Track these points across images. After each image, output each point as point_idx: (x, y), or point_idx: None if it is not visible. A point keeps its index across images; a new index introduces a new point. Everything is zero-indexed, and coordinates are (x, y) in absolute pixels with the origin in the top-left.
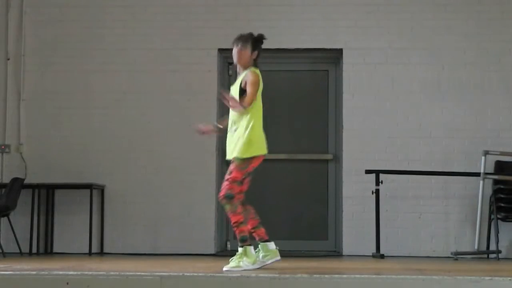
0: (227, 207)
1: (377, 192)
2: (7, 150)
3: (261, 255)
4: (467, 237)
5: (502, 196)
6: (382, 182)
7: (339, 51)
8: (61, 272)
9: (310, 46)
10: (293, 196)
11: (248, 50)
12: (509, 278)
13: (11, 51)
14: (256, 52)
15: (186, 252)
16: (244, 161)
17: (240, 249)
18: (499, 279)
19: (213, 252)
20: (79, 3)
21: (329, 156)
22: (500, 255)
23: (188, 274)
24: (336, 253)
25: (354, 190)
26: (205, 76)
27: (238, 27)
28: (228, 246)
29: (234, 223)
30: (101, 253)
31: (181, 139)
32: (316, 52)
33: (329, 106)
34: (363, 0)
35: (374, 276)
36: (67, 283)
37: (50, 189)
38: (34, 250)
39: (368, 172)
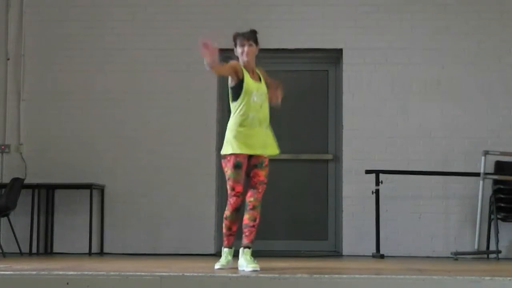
0: (259, 208)
1: (377, 192)
2: (7, 150)
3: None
4: (467, 237)
5: (502, 196)
6: (382, 182)
7: (339, 51)
8: (61, 272)
9: (310, 46)
10: (293, 196)
11: (256, 47)
12: (509, 278)
13: (11, 51)
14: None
15: (186, 252)
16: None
17: (250, 250)
18: (499, 279)
19: (213, 252)
20: (79, 3)
21: (329, 156)
22: (500, 255)
23: (188, 274)
24: (336, 253)
25: (354, 190)
26: (205, 76)
27: (238, 27)
28: None
29: (257, 224)
30: (101, 253)
31: (181, 139)
32: (316, 52)
33: (329, 106)
34: (363, 0)
35: (374, 276)
36: (67, 283)
37: (50, 189)
38: (34, 250)
39: (368, 172)
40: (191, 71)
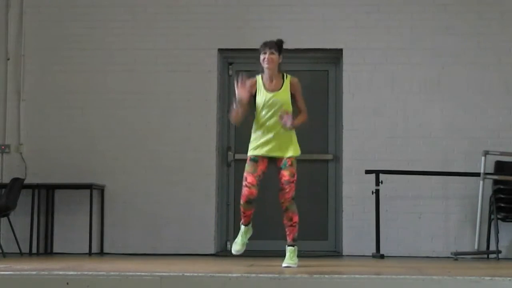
0: (293, 208)
1: (377, 192)
2: (7, 150)
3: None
4: (467, 237)
5: (502, 196)
6: (382, 182)
7: (339, 51)
8: (61, 272)
9: (310, 46)
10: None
11: (279, 57)
12: (509, 278)
13: (11, 51)
14: (281, 57)
15: (186, 252)
16: (297, 160)
17: (292, 248)
18: (499, 279)
19: (213, 252)
20: (79, 3)
21: (329, 156)
22: (500, 255)
23: (188, 274)
24: (336, 253)
25: (354, 190)
26: (205, 76)
27: (238, 27)
28: (228, 246)
29: (296, 222)
30: (101, 253)
31: (181, 139)
32: (316, 52)
33: (329, 106)
34: (363, 0)
35: (374, 276)
36: (67, 283)
37: (50, 189)
38: (34, 250)
39: (368, 172)
40: (191, 71)
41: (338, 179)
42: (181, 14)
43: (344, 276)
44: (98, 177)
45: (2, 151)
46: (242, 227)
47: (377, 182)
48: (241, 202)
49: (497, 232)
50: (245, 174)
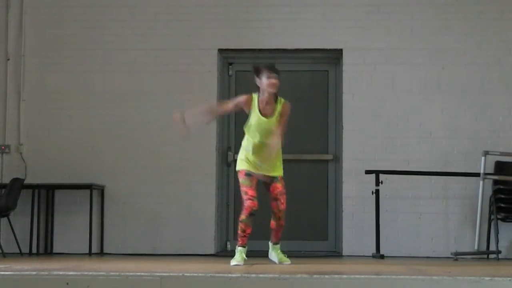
0: (284, 217)
1: (377, 192)
2: (7, 150)
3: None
4: (467, 237)
5: (502, 196)
6: (382, 182)
7: (339, 51)
8: (61, 272)
9: (310, 46)
10: (293, 196)
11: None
12: (509, 278)
13: (11, 51)
14: None
15: (186, 252)
16: None
17: (279, 246)
18: (499, 279)
19: (213, 252)
20: (79, 3)
21: (329, 156)
22: (500, 255)
23: (188, 274)
24: (336, 253)
25: (354, 190)
26: (205, 76)
27: (238, 27)
28: (228, 246)
29: (282, 226)
30: (101, 253)
31: (181, 139)
32: (316, 52)
33: (329, 106)
34: (363, 0)
35: (374, 276)
36: (67, 283)
37: (50, 189)
38: (34, 250)
39: (368, 172)
40: (191, 71)
41: (338, 179)
42: (181, 14)
43: (344, 276)
44: (98, 177)
45: (2, 151)
46: (240, 248)
47: (377, 182)
48: (244, 216)
49: (497, 232)
50: (244, 188)
